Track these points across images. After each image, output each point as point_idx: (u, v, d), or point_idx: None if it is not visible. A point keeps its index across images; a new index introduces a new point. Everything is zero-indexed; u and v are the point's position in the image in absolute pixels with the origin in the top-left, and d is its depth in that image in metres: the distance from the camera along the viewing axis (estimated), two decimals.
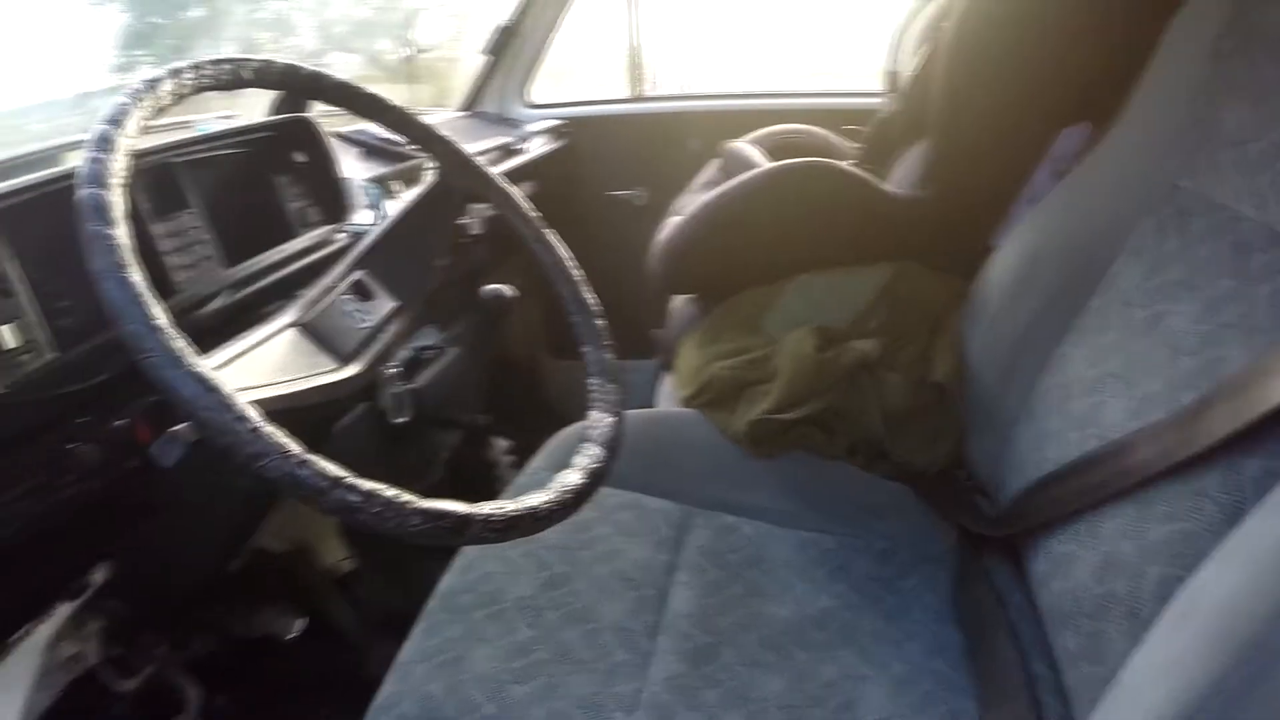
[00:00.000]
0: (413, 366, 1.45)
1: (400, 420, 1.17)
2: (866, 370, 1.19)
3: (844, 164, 1.35)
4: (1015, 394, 1.02)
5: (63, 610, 1.01)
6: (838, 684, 0.86)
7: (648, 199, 1.89)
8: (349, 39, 3.49)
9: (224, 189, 1.07)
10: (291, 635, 1.41)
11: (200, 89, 0.74)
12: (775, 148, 1.65)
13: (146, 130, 0.68)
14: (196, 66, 0.74)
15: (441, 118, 2.08)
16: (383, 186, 1.29)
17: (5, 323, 0.78)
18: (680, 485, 1.12)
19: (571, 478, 0.74)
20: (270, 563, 1.43)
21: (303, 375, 0.76)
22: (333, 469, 0.56)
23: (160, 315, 0.56)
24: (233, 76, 0.78)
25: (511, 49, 2.09)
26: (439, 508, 0.60)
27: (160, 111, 0.70)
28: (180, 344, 0.56)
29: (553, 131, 2.02)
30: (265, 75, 0.82)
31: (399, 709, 0.83)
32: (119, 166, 0.62)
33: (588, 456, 0.79)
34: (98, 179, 0.60)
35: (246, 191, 1.11)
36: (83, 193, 0.59)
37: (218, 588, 1.34)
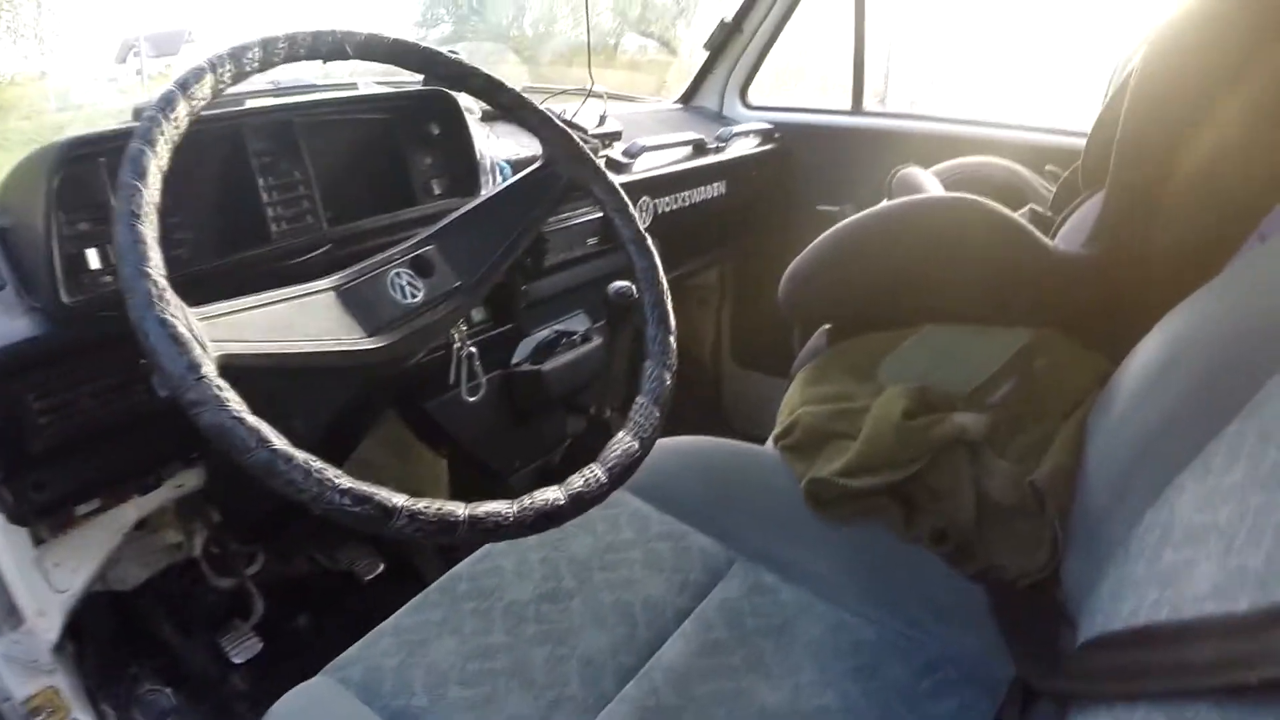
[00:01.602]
0: (547, 348, 1.47)
1: (471, 399, 1.16)
2: (967, 449, 1.05)
3: (1005, 209, 1.18)
4: (1122, 519, 0.84)
5: (151, 500, 1.11)
6: None
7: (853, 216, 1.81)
8: (642, 22, 3.57)
9: (346, 151, 1.12)
10: (370, 577, 1.47)
11: (293, 59, 0.78)
12: (958, 180, 1.50)
13: (216, 99, 0.72)
14: (291, 38, 0.77)
15: (653, 108, 2.08)
16: (518, 168, 1.30)
17: (93, 247, 0.89)
18: (735, 527, 1.05)
19: (547, 495, 0.71)
20: None
21: (312, 338, 0.76)
22: (264, 429, 0.57)
23: (154, 263, 0.60)
24: (333, 49, 0.81)
25: (733, 45, 2.05)
26: (365, 491, 0.59)
27: (242, 78, 0.74)
28: (159, 290, 0.59)
29: (762, 134, 1.96)
30: (371, 49, 0.85)
31: (347, 671, 0.84)
32: (172, 127, 0.67)
33: (583, 477, 0.75)
34: (147, 137, 0.65)
35: (371, 156, 1.15)
36: (130, 146, 0.64)
37: (323, 518, 1.41)
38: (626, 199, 0.98)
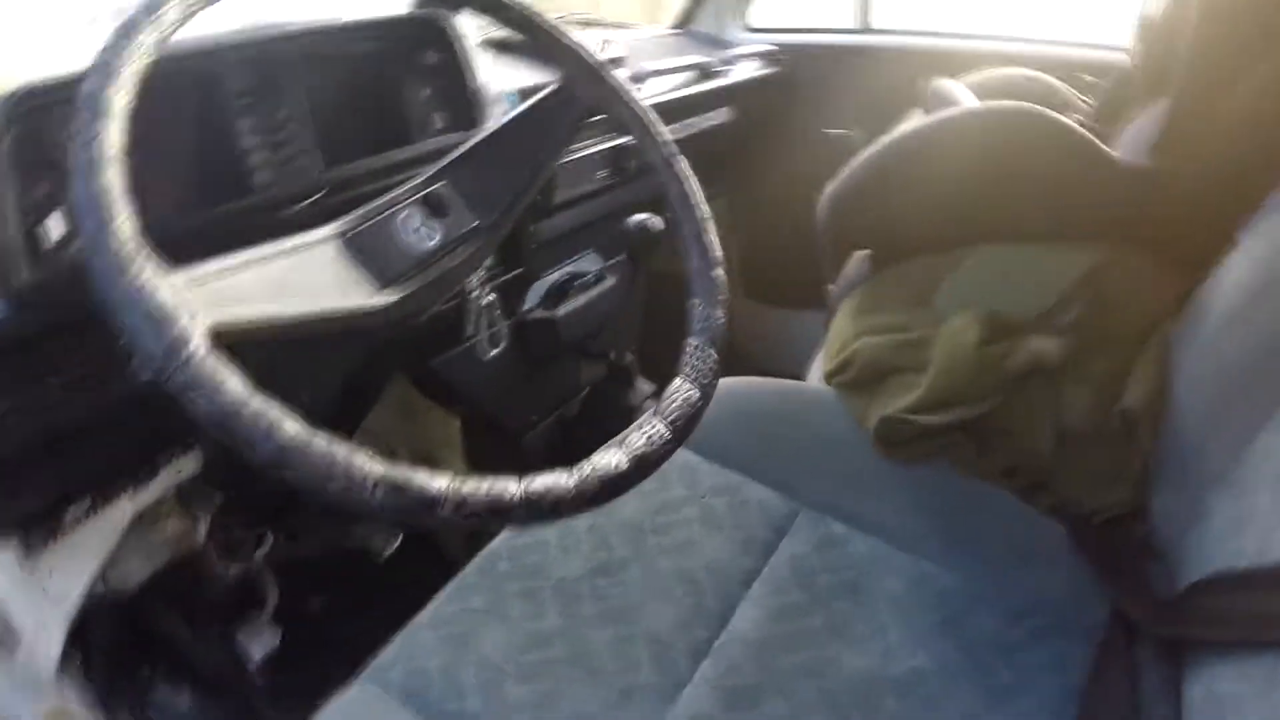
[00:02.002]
0: (559, 292, 1.38)
1: (493, 352, 1.06)
2: (1044, 377, 0.97)
3: (1063, 117, 1.08)
4: (1222, 446, 0.77)
5: (148, 493, 1.01)
6: None
7: (864, 140, 1.73)
8: None
9: (337, 86, 1.00)
10: (388, 553, 1.38)
11: None
12: (991, 93, 1.39)
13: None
14: None
15: (646, 33, 1.96)
16: (526, 97, 1.19)
17: (56, 211, 0.76)
18: (795, 476, 0.96)
19: (608, 458, 0.61)
20: None
21: (316, 297, 0.66)
22: (272, 414, 0.47)
23: (124, 218, 0.49)
24: None
25: None
26: (401, 478, 0.49)
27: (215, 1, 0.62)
28: (131, 250, 0.48)
29: (766, 57, 1.84)
30: None
31: (389, 674, 0.76)
32: (138, 57, 0.55)
33: (644, 434, 0.65)
34: (106, 70, 0.54)
35: (364, 90, 1.03)
36: (85, 83, 0.53)
37: None
38: (655, 118, 0.88)
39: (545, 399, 1.45)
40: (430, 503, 0.49)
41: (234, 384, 0.46)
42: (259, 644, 1.21)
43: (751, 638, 0.79)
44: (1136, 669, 0.76)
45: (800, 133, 1.92)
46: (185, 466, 1.02)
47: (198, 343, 0.47)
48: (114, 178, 0.50)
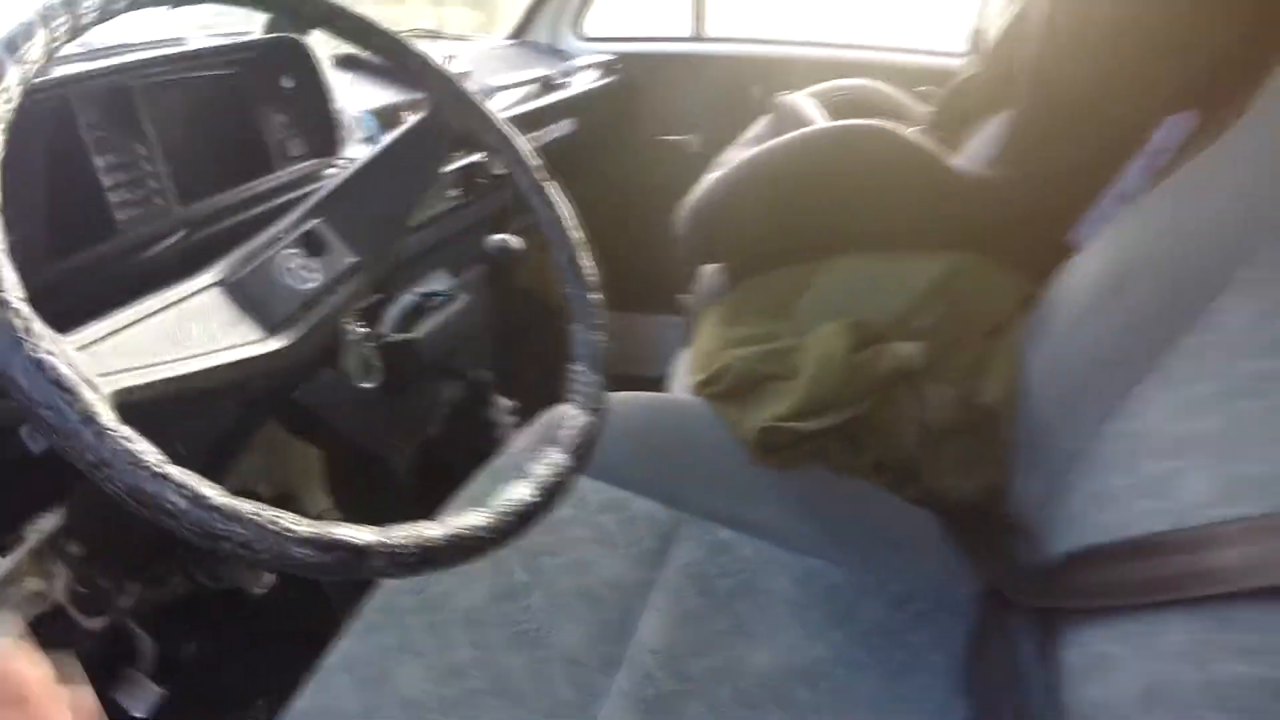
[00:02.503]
0: (415, 314, 1.37)
1: (369, 385, 1.06)
2: (907, 378, 1.04)
3: (909, 130, 1.17)
4: (1075, 431, 0.86)
5: (17, 553, 0.96)
6: None
7: (701, 146, 1.79)
8: None
9: (190, 116, 0.97)
10: (260, 590, 1.34)
11: (137, 6, 0.64)
12: (837, 105, 1.49)
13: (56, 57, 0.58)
14: None
15: (485, 46, 1.97)
16: (384, 118, 1.17)
17: None
18: (676, 487, 1.00)
19: (519, 492, 0.63)
20: None
21: (210, 350, 0.65)
22: (192, 482, 0.46)
23: (10, 285, 0.47)
24: None
25: None
26: (329, 536, 0.49)
27: (79, 32, 0.59)
28: (24, 321, 0.45)
29: (604, 67, 1.89)
30: None
31: None
32: (3, 99, 0.52)
33: (547, 465, 0.68)
34: None
35: (218, 120, 1.00)
36: None
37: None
38: (524, 144, 0.90)
39: (411, 422, 1.44)
40: (360, 556, 0.49)
41: (150, 456, 0.45)
42: (140, 702, 1.15)
43: (659, 646, 0.82)
44: (1013, 640, 0.83)
45: (639, 140, 1.98)
46: (45, 525, 0.97)
47: (106, 416, 0.45)
48: None
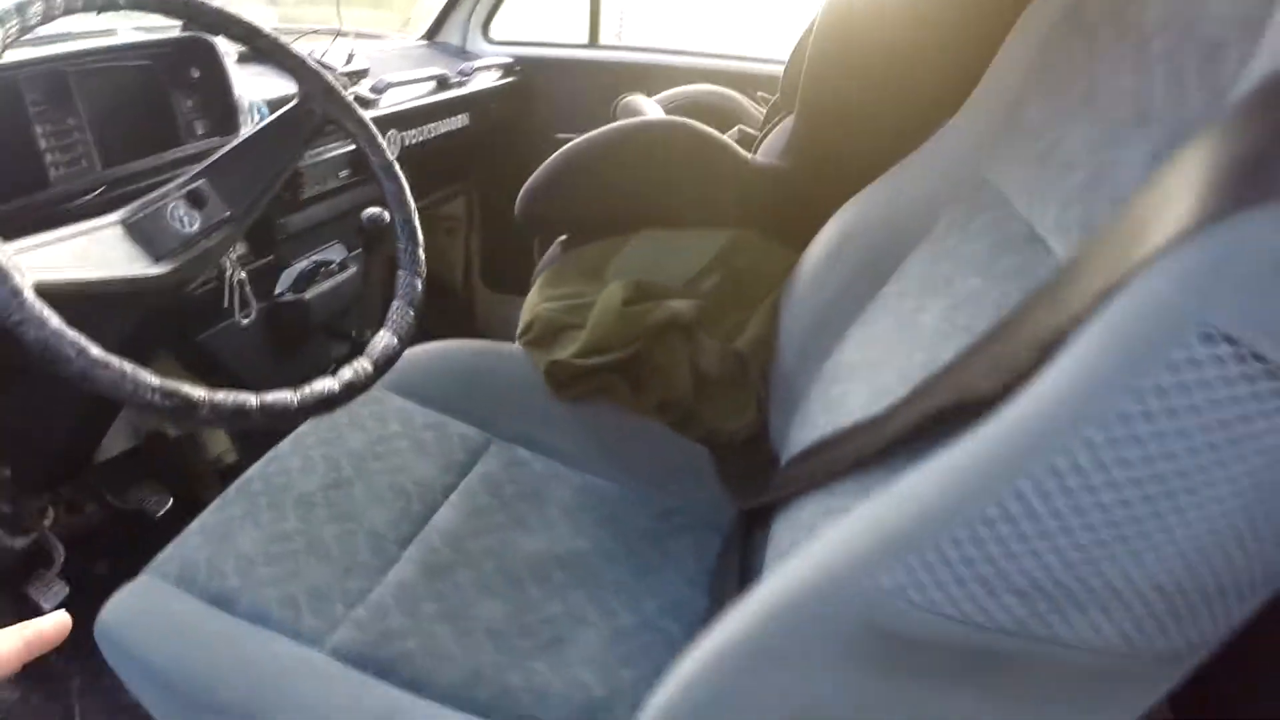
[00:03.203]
0: (307, 278, 1.59)
1: (245, 321, 1.28)
2: (681, 330, 1.27)
3: (704, 128, 1.42)
4: (805, 374, 1.08)
5: None
6: (556, 621, 0.94)
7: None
8: None
9: (115, 97, 1.20)
10: (160, 514, 1.57)
11: (71, 11, 0.86)
12: (676, 107, 1.75)
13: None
14: None
15: (399, 44, 2.20)
16: (274, 106, 1.40)
17: None
18: (490, 416, 1.23)
19: (324, 384, 0.88)
20: (160, 446, 1.58)
21: (108, 268, 0.88)
22: (81, 340, 0.69)
23: None
24: (107, 1, 0.90)
25: None
26: (172, 387, 0.72)
27: (26, 31, 0.82)
28: None
29: (504, 69, 2.13)
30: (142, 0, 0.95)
31: (165, 568, 0.96)
32: None
33: (352, 370, 0.92)
34: None
35: (137, 101, 1.23)
36: None
37: (107, 463, 1.51)
38: (375, 131, 1.12)
39: (298, 374, 1.65)
40: (193, 405, 0.73)
41: (54, 320, 0.68)
42: (49, 597, 1.36)
43: (447, 530, 1.04)
44: (751, 544, 1.05)
45: (535, 136, 2.19)
46: None
47: (28, 292, 0.68)
48: None
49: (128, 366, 0.70)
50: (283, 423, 0.84)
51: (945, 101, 1.07)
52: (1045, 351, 0.47)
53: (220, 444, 1.69)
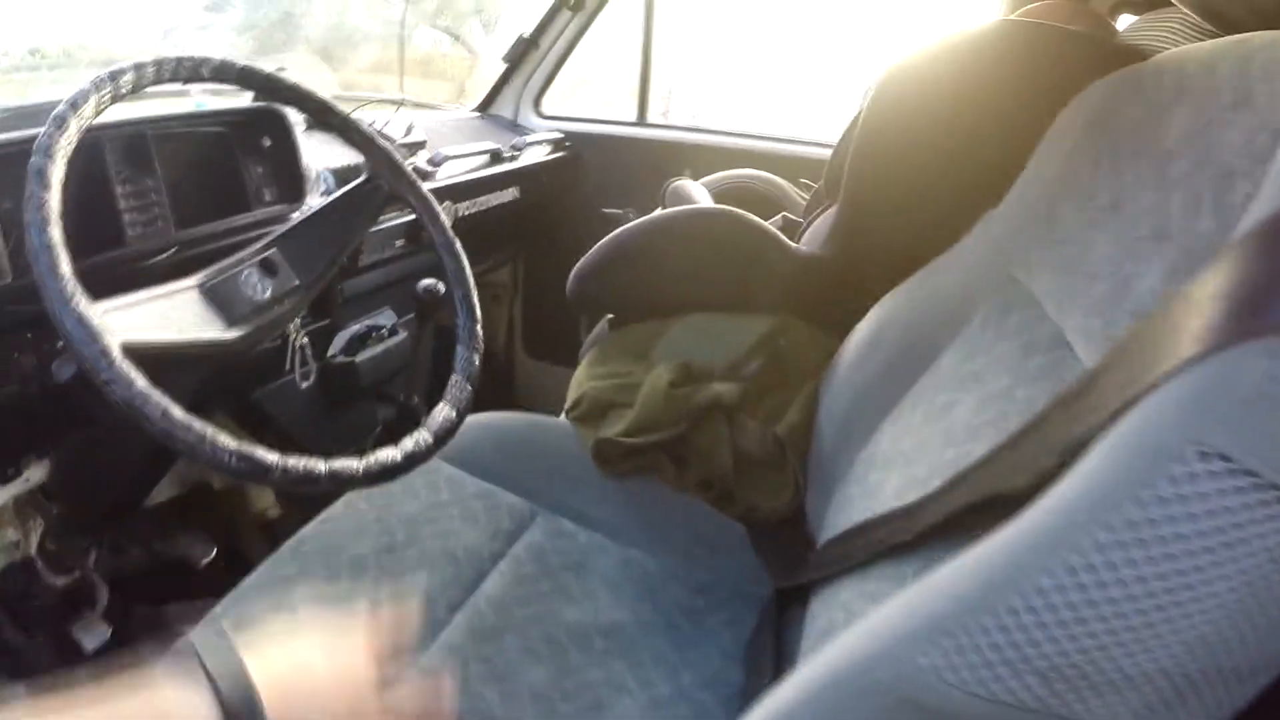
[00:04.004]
0: (359, 341, 1.68)
1: (306, 386, 1.37)
2: (722, 412, 1.35)
3: (751, 217, 1.51)
4: (844, 459, 1.14)
5: (7, 492, 1.24)
6: (597, 688, 0.98)
7: (636, 219, 2.11)
8: (436, 15, 3.70)
9: (190, 162, 1.30)
10: (204, 562, 1.64)
11: (159, 82, 0.96)
12: (724, 192, 1.84)
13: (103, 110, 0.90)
14: (159, 63, 0.95)
15: (454, 116, 2.32)
16: (340, 176, 1.50)
17: None
18: (537, 487, 1.30)
19: (388, 454, 0.95)
20: (206, 497, 1.66)
21: (185, 330, 0.95)
22: (165, 401, 0.77)
23: (63, 264, 0.78)
24: (192, 73, 1.00)
25: (529, 59, 2.33)
26: (247, 451, 0.80)
27: (119, 99, 0.91)
28: (70, 287, 0.77)
29: (554, 143, 2.24)
30: (223, 73, 1.04)
31: (222, 620, 1.03)
32: (66, 142, 0.84)
33: (414, 441, 1.00)
34: (46, 150, 0.82)
35: (211, 167, 1.33)
36: (33, 160, 0.81)
37: (153, 509, 1.58)
38: (439, 208, 1.21)
39: (345, 433, 1.73)
40: (266, 469, 0.81)
41: (140, 381, 0.76)
42: (92, 637, 1.42)
43: (494, 596, 1.11)
44: (788, 621, 1.10)
45: (582, 210, 2.31)
46: (34, 475, 1.25)
47: (117, 353, 0.76)
48: (55, 233, 0.78)
49: (208, 430, 0.78)
50: (347, 489, 0.91)
51: (987, 194, 1.10)
52: (1067, 455, 0.55)
53: (265, 499, 1.76)
